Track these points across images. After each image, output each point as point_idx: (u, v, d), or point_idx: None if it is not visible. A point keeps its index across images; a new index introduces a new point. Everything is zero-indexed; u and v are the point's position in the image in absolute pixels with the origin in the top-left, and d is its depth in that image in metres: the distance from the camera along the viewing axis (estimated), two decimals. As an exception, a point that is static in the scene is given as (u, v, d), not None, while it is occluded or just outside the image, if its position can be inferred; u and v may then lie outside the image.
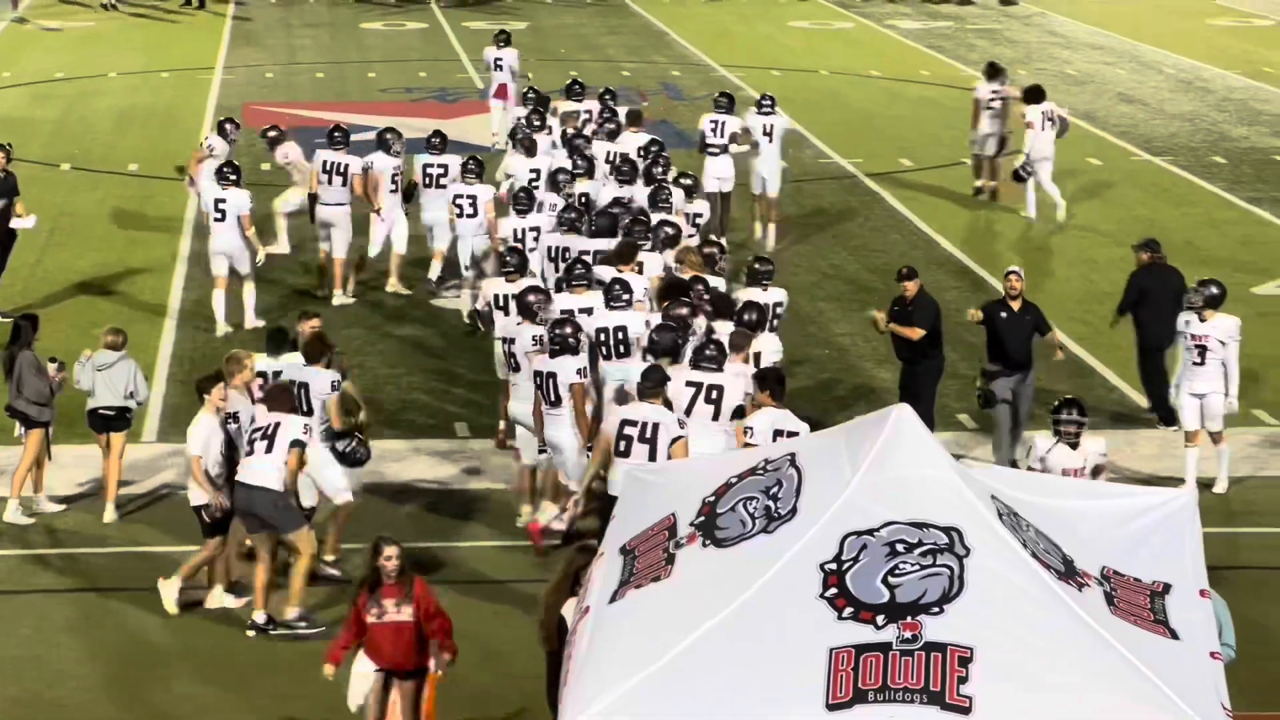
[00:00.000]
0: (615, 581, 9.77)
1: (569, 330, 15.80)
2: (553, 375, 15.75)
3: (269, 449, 14.58)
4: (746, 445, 14.17)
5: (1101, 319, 21.69)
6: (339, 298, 23.20)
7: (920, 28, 46.66)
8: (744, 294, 17.84)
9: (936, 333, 18.21)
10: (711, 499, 9.98)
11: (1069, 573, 9.25)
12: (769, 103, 25.83)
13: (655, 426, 14.52)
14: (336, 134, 23.54)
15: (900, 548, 9.12)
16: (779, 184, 25.72)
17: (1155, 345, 19.45)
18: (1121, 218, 27.83)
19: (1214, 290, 17.91)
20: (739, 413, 15.10)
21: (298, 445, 14.65)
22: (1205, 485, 17.41)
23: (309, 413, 15.44)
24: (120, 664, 14.25)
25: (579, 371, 15.75)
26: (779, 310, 18.13)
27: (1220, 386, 17.67)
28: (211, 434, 14.95)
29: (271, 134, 25.13)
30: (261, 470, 14.60)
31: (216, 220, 21.93)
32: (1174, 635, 9.25)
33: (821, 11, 49.34)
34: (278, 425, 14.69)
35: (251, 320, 22.12)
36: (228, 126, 24.47)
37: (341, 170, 23.09)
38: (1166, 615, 9.38)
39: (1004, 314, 18.18)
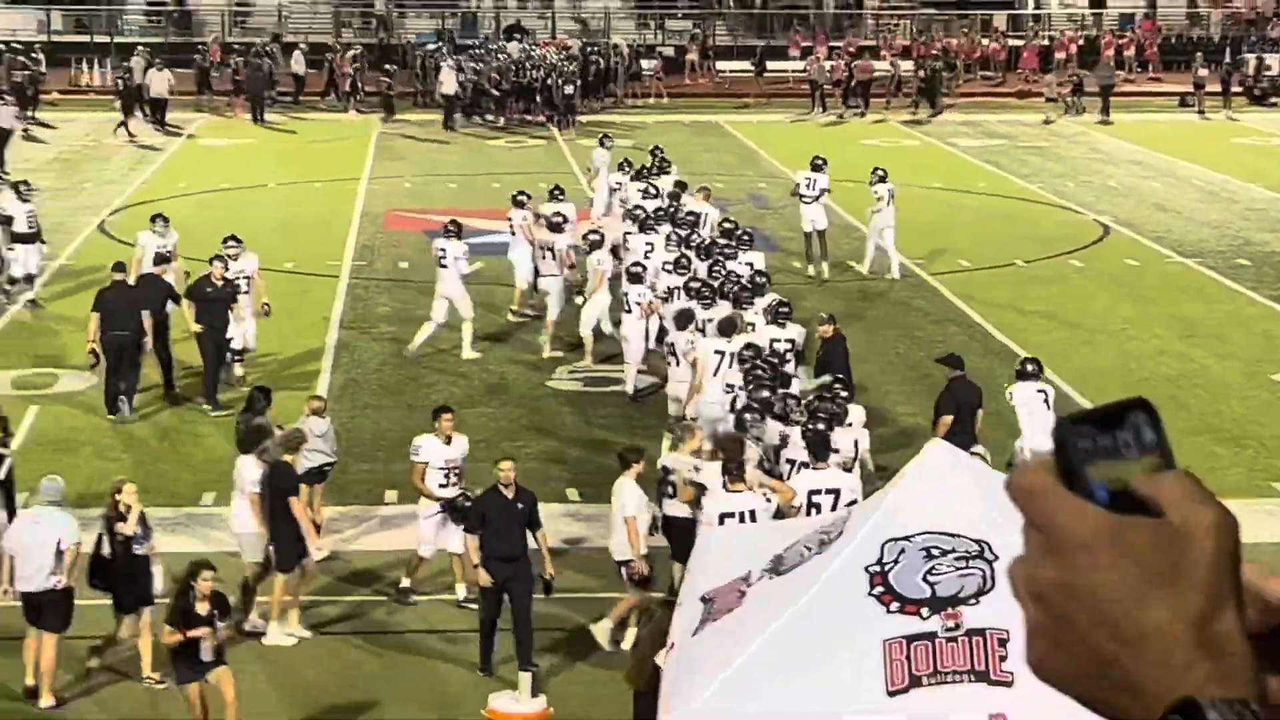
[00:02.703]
0: (697, 621, 9.93)
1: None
2: None
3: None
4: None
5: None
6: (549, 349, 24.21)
7: (978, 145, 46.75)
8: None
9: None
10: (780, 552, 10.14)
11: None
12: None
13: None
14: (557, 217, 24.79)
15: (935, 552, 9.18)
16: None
17: None
18: (1157, 314, 27.82)
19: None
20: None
21: None
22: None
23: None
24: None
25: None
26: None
27: None
28: (642, 499, 15.15)
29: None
30: None
31: (442, 268, 23.64)
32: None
33: (892, 132, 49.53)
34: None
35: (468, 352, 23.79)
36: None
37: (550, 247, 24.38)
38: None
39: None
